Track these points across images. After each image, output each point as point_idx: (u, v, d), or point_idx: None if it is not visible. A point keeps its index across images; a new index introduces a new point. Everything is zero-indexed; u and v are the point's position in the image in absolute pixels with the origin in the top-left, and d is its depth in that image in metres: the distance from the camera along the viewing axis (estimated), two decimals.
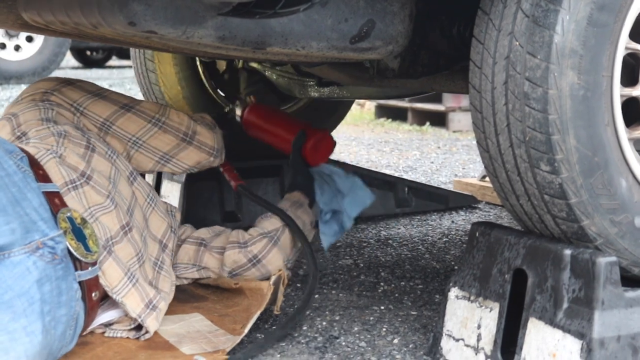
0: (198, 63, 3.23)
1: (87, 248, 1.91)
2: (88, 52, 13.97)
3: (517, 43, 1.67)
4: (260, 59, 2.24)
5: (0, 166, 1.81)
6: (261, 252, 2.35)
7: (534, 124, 1.67)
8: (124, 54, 14.94)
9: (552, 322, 1.68)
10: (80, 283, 1.88)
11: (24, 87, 9.04)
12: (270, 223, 2.40)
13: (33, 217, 1.81)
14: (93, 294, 1.93)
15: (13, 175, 1.83)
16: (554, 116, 1.64)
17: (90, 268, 1.92)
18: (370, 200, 2.61)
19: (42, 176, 1.94)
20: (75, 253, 1.87)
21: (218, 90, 3.30)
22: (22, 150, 1.95)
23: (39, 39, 9.57)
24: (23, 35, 9.48)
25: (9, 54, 9.50)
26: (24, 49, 9.56)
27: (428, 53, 2.34)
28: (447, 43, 2.31)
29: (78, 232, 1.91)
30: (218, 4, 1.77)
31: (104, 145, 2.20)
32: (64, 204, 1.94)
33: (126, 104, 2.35)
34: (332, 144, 2.68)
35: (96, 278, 1.95)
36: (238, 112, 2.86)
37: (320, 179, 2.61)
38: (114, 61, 14.89)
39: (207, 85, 3.25)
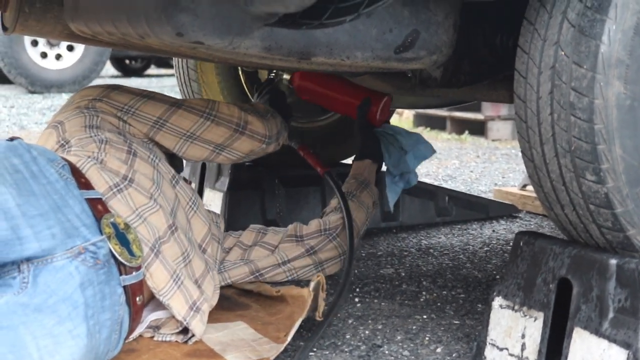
0: (240, 72, 3.25)
1: (131, 253, 1.94)
2: (127, 61, 14.11)
3: (563, 53, 1.68)
4: (305, 69, 2.26)
5: (42, 174, 1.85)
6: (317, 245, 2.56)
7: (579, 134, 1.67)
8: (163, 63, 15.06)
9: (597, 332, 1.68)
10: (124, 287, 1.91)
11: (65, 96, 9.15)
12: (336, 218, 2.60)
13: (75, 223, 1.84)
14: (137, 298, 1.96)
15: (55, 183, 1.86)
16: (600, 126, 1.64)
17: (134, 272, 1.95)
18: (431, 153, 2.79)
19: (84, 184, 1.97)
20: (119, 257, 1.90)
21: None
22: (64, 159, 1.98)
23: (79, 48, 9.68)
24: (64, 44, 9.61)
25: (50, 63, 9.63)
26: (65, 58, 9.68)
27: (470, 62, 2.34)
28: (490, 52, 2.32)
29: (121, 237, 1.94)
30: (265, 15, 1.79)
31: (147, 150, 2.24)
32: (107, 210, 1.97)
33: (175, 102, 2.41)
34: (389, 100, 2.81)
35: (140, 282, 1.98)
36: (286, 76, 2.93)
37: (385, 139, 2.75)
38: (152, 70, 15.01)
39: (249, 94, 3.27)
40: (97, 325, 1.79)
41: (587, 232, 1.77)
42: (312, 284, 2.13)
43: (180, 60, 3.30)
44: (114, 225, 1.94)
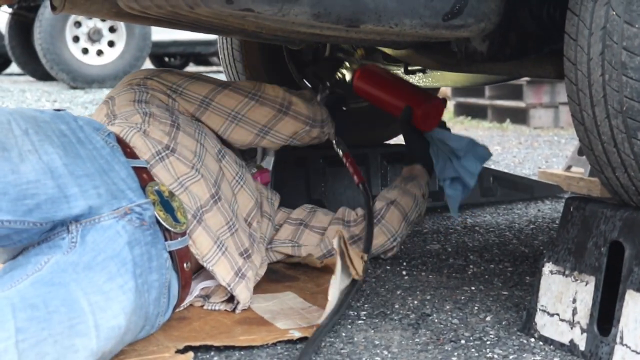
0: (285, 54, 3.26)
1: (175, 219, 1.97)
2: (166, 59, 14.18)
3: (614, 13, 1.67)
4: (352, 39, 2.26)
5: (89, 141, 1.91)
6: (362, 231, 2.54)
7: (631, 94, 1.66)
8: (201, 61, 15.15)
9: None
10: (170, 253, 1.94)
11: (105, 91, 9.23)
12: (376, 205, 2.60)
13: (121, 186, 1.89)
14: (185, 265, 1.98)
15: (101, 150, 1.92)
16: None
17: (179, 238, 1.98)
18: (488, 155, 2.71)
19: (129, 153, 2.02)
20: (164, 223, 1.93)
21: (304, 80, 3.34)
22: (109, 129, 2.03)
23: (120, 43, 9.75)
24: (105, 40, 9.68)
25: (91, 59, 9.70)
26: (106, 53, 9.75)
27: (517, 35, 2.34)
28: (537, 25, 2.31)
29: (166, 204, 1.97)
30: None
31: (193, 125, 2.28)
32: (151, 179, 2.01)
33: (222, 83, 2.45)
34: (442, 106, 2.75)
35: (186, 248, 2.01)
36: (348, 75, 2.92)
37: (435, 145, 2.69)
38: (191, 67, 15.09)
39: (294, 75, 3.28)
40: (146, 285, 1.82)
41: (639, 194, 1.76)
42: (334, 241, 2.08)
43: (224, 41, 3.32)
44: (159, 193, 1.97)
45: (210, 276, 2.13)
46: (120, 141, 2.02)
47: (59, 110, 1.97)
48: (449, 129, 2.76)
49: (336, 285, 2.02)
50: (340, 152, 2.79)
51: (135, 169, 1.97)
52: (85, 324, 1.64)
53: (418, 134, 2.72)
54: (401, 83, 2.86)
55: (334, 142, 2.77)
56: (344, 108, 2.94)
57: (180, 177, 2.10)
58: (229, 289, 2.07)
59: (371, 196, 2.66)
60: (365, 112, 3.38)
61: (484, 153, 2.70)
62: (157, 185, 1.99)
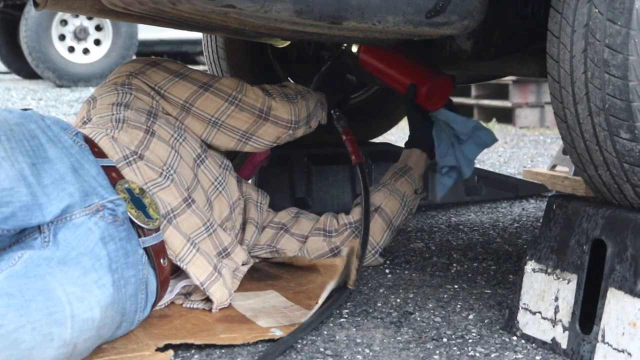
0: (269, 51, 3.25)
1: (147, 216, 1.97)
2: (153, 57, 14.13)
3: (597, 10, 1.67)
4: (335, 36, 2.24)
5: (57, 140, 1.90)
6: (343, 242, 2.44)
7: (613, 91, 1.66)
8: (188, 60, 15.07)
9: (632, 292, 1.67)
10: (146, 250, 1.93)
11: (92, 89, 9.20)
12: (360, 211, 2.48)
13: (92, 183, 1.88)
14: (161, 260, 1.97)
15: (70, 148, 1.91)
16: (635, 83, 1.63)
17: (153, 234, 1.97)
18: (492, 140, 2.60)
19: (97, 152, 2.01)
20: (136, 221, 1.93)
21: (289, 79, 3.33)
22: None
23: (106, 42, 9.71)
24: (91, 38, 9.64)
25: (77, 57, 9.66)
26: (92, 52, 9.72)
27: (501, 34, 2.34)
28: (521, 24, 2.31)
29: (137, 201, 1.97)
30: None
31: (171, 130, 2.23)
32: (121, 177, 2.00)
33: (205, 83, 2.36)
34: (449, 84, 2.63)
35: (162, 244, 2.00)
36: (355, 47, 2.81)
37: (438, 127, 2.59)
38: None
39: (279, 73, 3.27)
40: (122, 280, 1.81)
41: (621, 192, 1.76)
42: (345, 250, 2.12)
43: (209, 38, 3.31)
44: (129, 190, 1.97)
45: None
46: (89, 141, 2.01)
47: (26, 109, 1.96)
48: (455, 109, 2.65)
49: (329, 290, 2.03)
50: (340, 129, 2.66)
51: (104, 167, 1.97)
52: (63, 312, 1.63)
53: (422, 114, 2.61)
54: (407, 59, 2.73)
55: (334, 117, 2.66)
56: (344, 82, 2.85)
57: (148, 183, 2.08)
58: (202, 288, 2.05)
59: (368, 180, 2.55)
60: (359, 109, 3.38)
61: (487, 139, 2.59)
62: (126, 183, 1.98)
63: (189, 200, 2.14)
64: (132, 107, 2.21)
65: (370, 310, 2.10)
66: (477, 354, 1.82)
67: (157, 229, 1.99)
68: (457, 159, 2.57)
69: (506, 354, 1.82)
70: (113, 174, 1.98)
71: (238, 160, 2.52)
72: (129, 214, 1.91)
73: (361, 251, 2.31)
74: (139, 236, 1.92)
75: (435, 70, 2.65)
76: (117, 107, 2.20)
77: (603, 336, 1.70)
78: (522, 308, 1.92)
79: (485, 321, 2.02)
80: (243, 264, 2.28)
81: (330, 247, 2.44)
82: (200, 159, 2.27)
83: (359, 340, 1.90)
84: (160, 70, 2.34)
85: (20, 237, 1.77)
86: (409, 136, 2.67)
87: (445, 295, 2.22)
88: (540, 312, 1.87)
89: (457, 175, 2.60)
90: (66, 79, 9.56)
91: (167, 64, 2.38)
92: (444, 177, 2.59)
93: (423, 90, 2.59)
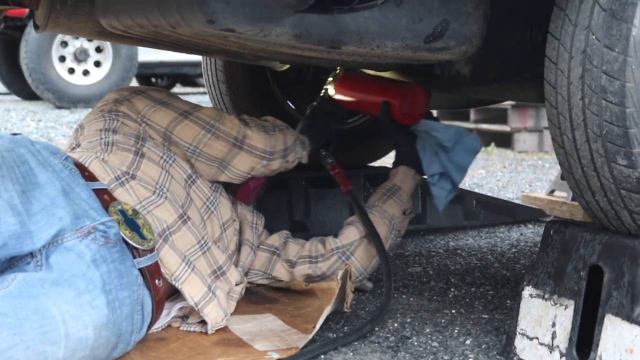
0: (268, 75, 3.26)
1: (142, 236, 1.97)
2: (153, 79, 14.14)
3: (594, 37, 1.67)
4: (334, 60, 2.25)
5: (47, 164, 1.91)
6: (329, 269, 2.44)
7: (611, 118, 1.66)
8: (188, 82, 15.11)
9: (629, 318, 1.67)
10: (141, 270, 1.93)
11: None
12: (348, 234, 2.47)
13: (83, 206, 1.89)
14: (156, 281, 1.97)
15: (60, 172, 1.92)
16: (632, 109, 1.64)
17: (148, 255, 1.97)
18: (479, 145, 2.56)
19: (88, 176, 2.01)
20: (130, 242, 1.93)
21: (288, 102, 3.34)
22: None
23: (106, 63, 9.73)
24: (91, 60, 9.66)
25: (77, 79, 9.68)
26: (92, 73, 9.73)
27: (499, 59, 2.34)
28: (520, 49, 2.31)
29: (131, 222, 1.97)
30: (296, 2, 1.80)
31: (160, 152, 2.23)
32: (113, 199, 2.00)
33: (185, 111, 2.34)
34: (423, 94, 2.59)
35: (156, 264, 2.00)
36: (331, 91, 2.80)
37: (421, 139, 2.53)
38: (177, 89, 15.05)
39: (277, 96, 3.28)
40: (117, 302, 1.81)
41: (618, 218, 1.76)
42: (340, 273, 2.13)
43: (208, 61, 3.32)
44: (122, 212, 1.97)
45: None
46: (79, 165, 2.02)
47: (15, 134, 1.96)
48: (436, 119, 2.61)
49: (326, 314, 2.03)
50: (328, 166, 2.64)
51: (96, 190, 1.97)
52: (57, 331, 1.64)
53: (401, 130, 2.57)
54: (376, 80, 2.72)
55: (321, 155, 2.64)
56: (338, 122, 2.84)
57: (143, 201, 2.07)
58: (196, 308, 2.05)
59: (361, 205, 2.53)
60: (355, 133, 3.38)
61: (474, 144, 2.54)
62: (119, 204, 1.98)
63: (185, 217, 2.14)
64: (120, 132, 2.20)
65: (367, 335, 2.10)
66: None
67: (151, 250, 1.99)
68: (444, 166, 2.52)
69: None
70: (105, 197, 1.98)
71: (233, 187, 2.50)
72: (123, 235, 1.91)
73: (385, 273, 2.31)
74: (134, 257, 1.92)
75: (406, 83, 2.62)
76: (106, 132, 2.20)
77: None
78: (519, 333, 1.92)
79: (483, 346, 2.02)
80: (237, 284, 2.27)
81: (317, 273, 2.43)
82: (192, 179, 2.27)
83: None
84: (145, 98, 2.33)
85: (13, 262, 1.79)
86: (395, 155, 2.64)
87: (443, 320, 2.21)
88: (537, 338, 1.87)
89: (450, 184, 2.54)
90: (66, 100, 9.57)
91: (152, 92, 2.37)
92: (436, 188, 2.54)
93: (396, 104, 2.56)
